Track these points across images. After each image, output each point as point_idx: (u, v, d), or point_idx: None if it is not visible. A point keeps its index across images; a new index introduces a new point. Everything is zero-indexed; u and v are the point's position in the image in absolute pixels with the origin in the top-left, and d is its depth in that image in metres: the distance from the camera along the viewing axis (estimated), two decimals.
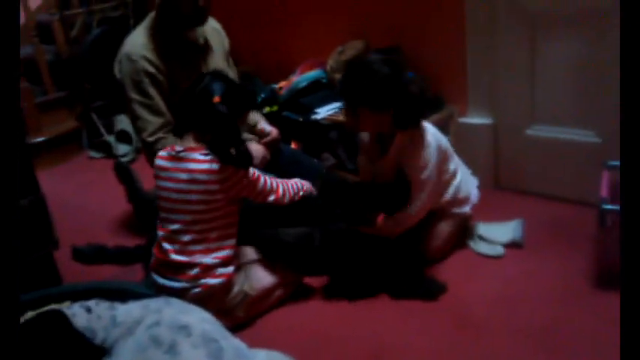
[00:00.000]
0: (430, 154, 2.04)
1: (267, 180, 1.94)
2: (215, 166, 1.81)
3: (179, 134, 1.94)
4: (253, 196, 1.92)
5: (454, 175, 2.20)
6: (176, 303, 1.60)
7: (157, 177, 1.94)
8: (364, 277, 2.09)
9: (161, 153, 1.94)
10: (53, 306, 1.51)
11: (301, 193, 2.05)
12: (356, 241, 2.11)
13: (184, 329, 1.44)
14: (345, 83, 2.05)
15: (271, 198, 1.95)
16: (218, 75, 1.93)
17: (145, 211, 2.62)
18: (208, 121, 1.83)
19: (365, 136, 2.25)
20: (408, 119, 1.99)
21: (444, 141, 2.16)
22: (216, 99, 1.80)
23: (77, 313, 1.45)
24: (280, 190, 1.97)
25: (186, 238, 1.86)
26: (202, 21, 2.27)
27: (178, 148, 1.89)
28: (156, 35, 2.23)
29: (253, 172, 1.89)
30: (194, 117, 1.87)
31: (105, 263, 2.26)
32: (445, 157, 2.15)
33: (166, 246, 1.89)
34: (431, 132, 2.09)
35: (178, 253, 1.87)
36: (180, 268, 1.87)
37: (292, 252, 2.04)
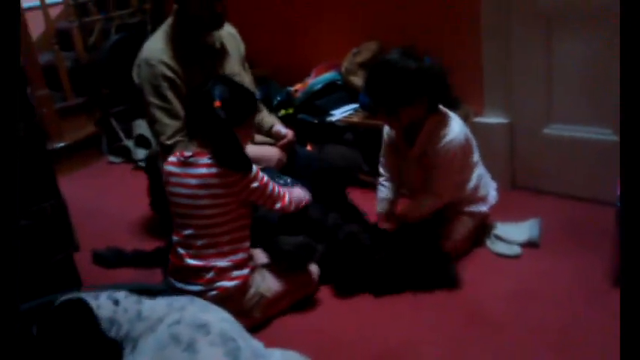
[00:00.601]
0: (456, 138, 2.10)
1: (275, 186, 1.94)
2: (221, 170, 1.83)
3: (189, 138, 1.96)
4: (262, 201, 1.93)
5: (476, 166, 2.24)
6: (199, 302, 1.64)
7: (167, 183, 1.96)
8: (387, 274, 2.09)
9: (170, 159, 1.96)
10: (82, 294, 1.54)
11: (304, 203, 2.06)
12: (372, 241, 2.13)
13: (203, 327, 1.47)
14: (379, 90, 2.09)
15: (278, 205, 1.95)
16: (222, 79, 1.94)
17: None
18: (209, 126, 1.83)
19: (388, 134, 2.31)
20: (441, 99, 2.11)
21: (468, 131, 2.20)
22: (217, 103, 1.80)
23: (103, 304, 1.50)
24: (287, 198, 1.97)
25: (200, 242, 1.88)
26: (219, 25, 2.30)
27: (187, 153, 1.91)
28: (174, 40, 2.27)
29: (262, 176, 1.89)
30: (197, 121, 1.88)
31: (124, 266, 2.29)
32: (469, 147, 2.20)
33: (181, 251, 1.91)
34: (456, 120, 2.16)
35: (193, 257, 1.89)
36: (195, 272, 1.88)
37: (291, 261, 2.04)
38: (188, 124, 1.94)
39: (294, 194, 2.03)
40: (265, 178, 1.90)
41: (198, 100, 1.86)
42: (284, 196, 1.96)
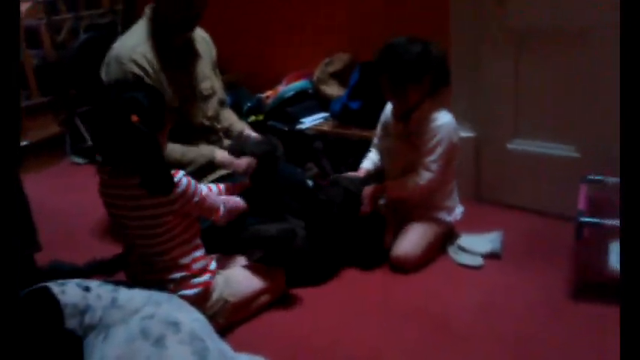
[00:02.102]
0: (446, 124, 2.22)
1: (210, 198, 1.87)
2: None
3: (114, 168, 1.77)
4: (197, 213, 1.86)
5: (454, 173, 2.34)
6: (176, 300, 1.66)
7: (105, 204, 1.85)
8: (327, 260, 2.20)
9: (103, 178, 1.81)
10: (47, 283, 1.52)
11: (239, 211, 2.00)
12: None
13: (174, 325, 1.49)
14: (390, 68, 2.19)
15: (212, 217, 1.89)
16: (121, 86, 1.81)
17: None
18: (131, 144, 1.65)
19: (385, 117, 2.41)
20: (442, 79, 2.23)
21: (457, 131, 2.31)
22: (134, 118, 1.63)
23: (69, 290, 1.49)
24: (221, 209, 1.90)
25: (154, 258, 1.83)
26: (190, 28, 2.29)
27: (117, 173, 1.76)
28: (146, 40, 2.24)
29: (200, 191, 1.81)
30: (116, 145, 1.70)
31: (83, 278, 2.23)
32: (456, 144, 2.28)
33: (137, 266, 1.88)
34: (449, 116, 2.26)
35: (149, 272, 1.85)
36: (153, 285, 1.81)
37: (273, 244, 2.03)
38: (104, 151, 1.75)
39: (230, 203, 1.96)
40: (204, 192, 1.83)
41: (110, 118, 1.68)
42: (218, 208, 1.89)
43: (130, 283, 1.77)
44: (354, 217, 2.23)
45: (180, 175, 1.75)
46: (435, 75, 2.19)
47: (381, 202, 2.36)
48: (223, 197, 1.96)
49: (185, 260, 1.84)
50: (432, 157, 2.20)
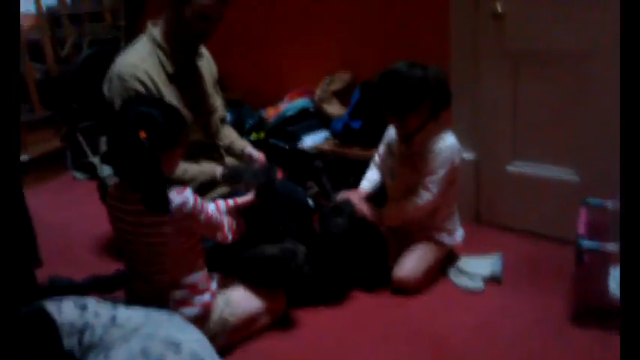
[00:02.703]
0: (449, 147, 2.22)
1: (216, 217, 1.86)
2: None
3: (120, 180, 1.80)
4: (202, 232, 1.85)
5: (456, 195, 2.33)
6: (177, 319, 1.65)
7: (110, 219, 1.85)
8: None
9: (110, 190, 1.84)
10: (45, 302, 1.51)
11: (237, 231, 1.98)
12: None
13: (175, 346, 1.48)
14: (390, 97, 2.18)
15: (219, 235, 1.87)
16: (141, 101, 1.82)
17: None
18: (134, 159, 1.66)
19: (388, 136, 2.42)
20: (443, 102, 2.21)
21: (460, 155, 2.31)
22: (142, 134, 1.63)
23: (66, 309, 1.49)
24: (226, 228, 1.88)
25: (152, 275, 1.82)
26: (207, 39, 2.29)
27: (123, 188, 1.77)
28: (148, 57, 2.25)
29: (207, 209, 1.81)
30: (123, 159, 1.72)
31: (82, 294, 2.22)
32: (457, 170, 2.28)
33: (136, 282, 1.87)
34: (452, 138, 2.27)
35: (149, 291, 1.84)
36: (155, 301, 1.82)
37: (273, 264, 2.02)
38: (115, 163, 1.77)
39: (234, 224, 1.95)
40: (210, 212, 1.82)
41: (120, 131, 1.70)
42: (223, 228, 1.88)
43: (128, 301, 1.76)
44: (358, 244, 2.23)
45: (187, 193, 1.74)
46: (435, 100, 2.18)
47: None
48: (228, 218, 1.95)
49: (187, 279, 1.83)
50: (432, 178, 2.20)
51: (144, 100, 1.83)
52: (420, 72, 2.14)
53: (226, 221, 1.90)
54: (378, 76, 2.23)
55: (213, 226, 1.85)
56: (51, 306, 1.49)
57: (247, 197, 2.01)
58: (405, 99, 2.14)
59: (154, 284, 1.83)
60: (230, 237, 1.90)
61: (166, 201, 1.68)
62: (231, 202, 1.98)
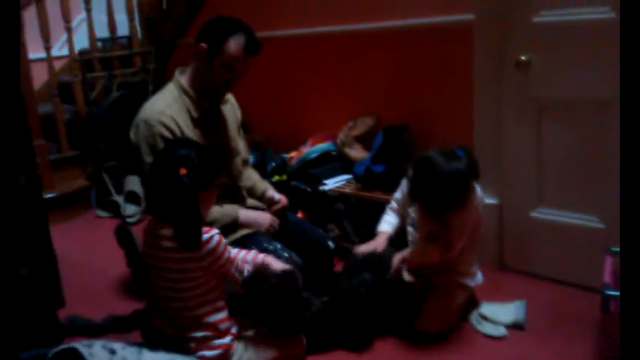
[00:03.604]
0: (476, 203, 2.21)
1: (239, 264, 1.90)
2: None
3: (155, 218, 1.86)
4: (225, 273, 1.88)
5: (478, 241, 2.31)
6: None
7: (143, 246, 1.91)
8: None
9: (146, 224, 1.90)
10: (75, 344, 1.52)
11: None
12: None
13: None
14: (430, 199, 2.15)
15: (233, 281, 1.91)
16: (184, 143, 1.88)
17: (146, 276, 2.63)
18: (173, 195, 1.74)
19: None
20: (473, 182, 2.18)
21: (482, 202, 2.31)
22: (182, 171, 1.73)
23: (97, 353, 1.48)
24: (244, 274, 1.92)
25: (176, 312, 1.84)
26: (230, 90, 2.36)
27: (157, 224, 1.83)
28: (174, 103, 2.30)
29: (230, 252, 1.85)
30: (160, 195, 1.80)
31: (101, 335, 2.21)
32: (480, 217, 2.28)
33: (159, 319, 1.89)
34: (476, 187, 2.24)
35: (171, 327, 1.86)
36: (175, 341, 1.84)
37: (289, 314, 1.99)
38: (152, 199, 1.85)
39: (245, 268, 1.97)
40: (230, 253, 1.86)
41: (162, 169, 1.80)
42: (242, 273, 1.91)
43: (152, 345, 1.75)
44: (382, 299, 2.19)
45: (213, 233, 1.80)
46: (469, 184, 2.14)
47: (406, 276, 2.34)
48: (248, 266, 1.97)
49: (209, 319, 1.84)
50: (457, 236, 2.18)
51: (184, 143, 1.90)
52: (457, 166, 2.07)
53: (246, 269, 1.93)
54: (412, 166, 2.18)
55: (233, 271, 1.88)
56: (82, 347, 1.49)
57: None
58: (446, 202, 2.11)
59: (177, 321, 1.84)
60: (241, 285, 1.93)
61: (199, 238, 1.74)
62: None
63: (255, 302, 1.99)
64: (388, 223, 2.45)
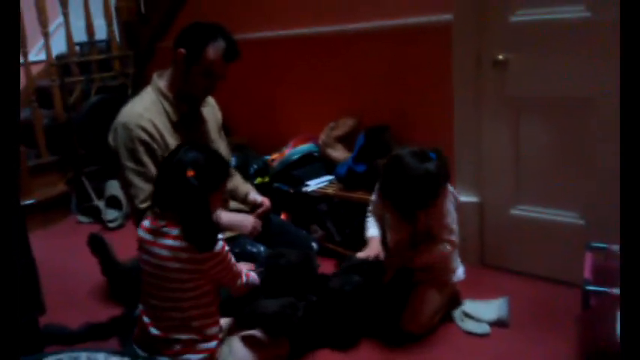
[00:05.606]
0: (451, 202, 2.24)
1: (236, 266, 1.91)
2: (190, 245, 1.77)
3: (161, 211, 1.86)
4: (226, 281, 1.89)
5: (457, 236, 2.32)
6: None
7: (139, 248, 1.90)
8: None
9: (144, 223, 1.89)
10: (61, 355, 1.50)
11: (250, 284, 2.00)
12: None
13: None
14: (399, 199, 2.16)
15: (238, 282, 1.91)
16: (194, 146, 1.89)
17: (121, 284, 2.61)
18: (180, 196, 1.76)
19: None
20: (443, 184, 2.18)
21: (455, 196, 2.32)
22: (190, 172, 1.75)
23: None
24: (244, 279, 1.93)
25: (166, 313, 1.83)
26: (209, 94, 2.39)
27: (160, 222, 1.82)
28: (152, 106, 2.29)
29: (231, 257, 1.85)
30: (168, 192, 1.81)
31: (78, 343, 2.18)
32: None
33: (146, 319, 1.87)
34: (451, 189, 2.28)
35: (157, 327, 1.84)
36: (160, 343, 1.83)
37: (274, 322, 2.02)
38: (159, 196, 1.85)
39: (251, 278, 1.98)
40: (231, 258, 1.86)
41: (170, 169, 1.81)
42: (240, 278, 1.92)
43: (126, 343, 1.72)
44: (367, 298, 2.19)
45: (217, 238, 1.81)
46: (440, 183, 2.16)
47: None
48: (245, 270, 1.98)
49: (198, 323, 1.84)
50: (449, 231, 2.22)
51: (190, 146, 1.89)
52: (427, 167, 2.07)
53: (244, 274, 1.94)
54: (382, 166, 2.19)
55: (233, 275, 1.89)
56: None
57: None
58: (414, 201, 2.13)
59: (165, 322, 1.83)
60: (243, 290, 1.95)
61: (214, 239, 1.77)
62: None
63: (273, 278, 2.05)
64: (375, 227, 2.43)
